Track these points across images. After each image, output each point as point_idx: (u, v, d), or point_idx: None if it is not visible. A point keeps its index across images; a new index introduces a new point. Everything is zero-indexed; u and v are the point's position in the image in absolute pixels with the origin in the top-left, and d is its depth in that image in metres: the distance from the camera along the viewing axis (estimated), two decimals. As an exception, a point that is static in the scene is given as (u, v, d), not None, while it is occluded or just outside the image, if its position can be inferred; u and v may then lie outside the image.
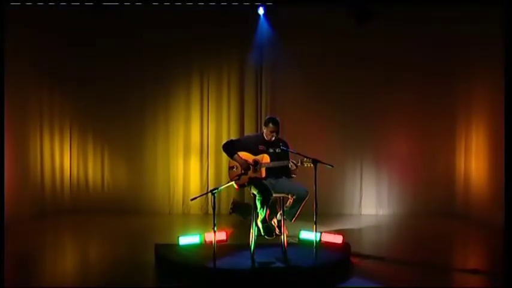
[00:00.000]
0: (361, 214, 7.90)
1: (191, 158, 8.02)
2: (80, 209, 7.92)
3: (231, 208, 6.98)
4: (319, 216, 4.07)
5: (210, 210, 7.53)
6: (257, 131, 7.66)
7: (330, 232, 5.38)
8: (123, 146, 8.10)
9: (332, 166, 4.11)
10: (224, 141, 4.79)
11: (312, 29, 7.58)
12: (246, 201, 7.32)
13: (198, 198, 7.52)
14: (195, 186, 7.89)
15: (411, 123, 7.88)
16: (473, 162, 7.47)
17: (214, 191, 3.95)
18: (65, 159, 8.10)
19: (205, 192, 5.27)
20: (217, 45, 7.81)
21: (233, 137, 5.97)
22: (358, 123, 7.79)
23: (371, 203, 7.97)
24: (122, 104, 8.01)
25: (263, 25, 7.67)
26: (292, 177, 4.63)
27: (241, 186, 4.57)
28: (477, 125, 7.40)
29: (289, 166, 4.46)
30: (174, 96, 8.04)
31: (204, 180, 7.96)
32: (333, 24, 7.53)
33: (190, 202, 7.88)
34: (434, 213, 7.61)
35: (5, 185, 5.47)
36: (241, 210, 6.79)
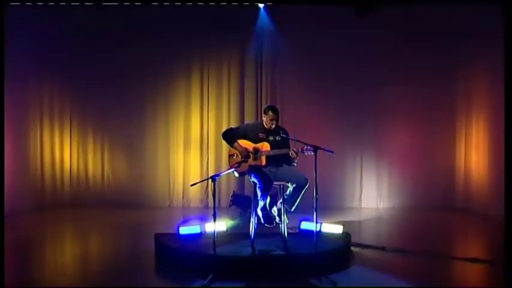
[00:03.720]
0: (361, 207, 7.90)
1: (191, 151, 8.03)
2: (80, 202, 7.94)
3: (231, 200, 6.97)
4: (320, 208, 4.05)
5: (210, 203, 7.53)
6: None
7: (330, 223, 5.37)
8: (123, 139, 8.10)
9: (332, 152, 4.11)
10: (224, 129, 4.80)
11: (312, 19, 7.55)
12: (246, 194, 7.32)
13: (198, 191, 7.79)
14: (195, 179, 7.84)
15: (412, 116, 7.88)
16: (473, 155, 7.48)
17: (214, 177, 3.94)
18: (65, 152, 8.10)
19: (206, 178, 5.25)
20: (217, 36, 7.80)
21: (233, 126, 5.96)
22: (358, 115, 7.80)
23: (371, 196, 7.97)
24: (122, 97, 8.01)
25: (263, 16, 7.66)
26: (293, 165, 4.60)
27: (241, 174, 4.57)
28: (477, 118, 7.41)
29: (290, 154, 4.44)
30: (174, 88, 8.04)
31: (204, 173, 7.95)
32: (333, 16, 7.50)
33: (190, 196, 7.96)
34: (435, 206, 7.62)
35: (5, 178, 5.47)
36: (241, 203, 6.79)
